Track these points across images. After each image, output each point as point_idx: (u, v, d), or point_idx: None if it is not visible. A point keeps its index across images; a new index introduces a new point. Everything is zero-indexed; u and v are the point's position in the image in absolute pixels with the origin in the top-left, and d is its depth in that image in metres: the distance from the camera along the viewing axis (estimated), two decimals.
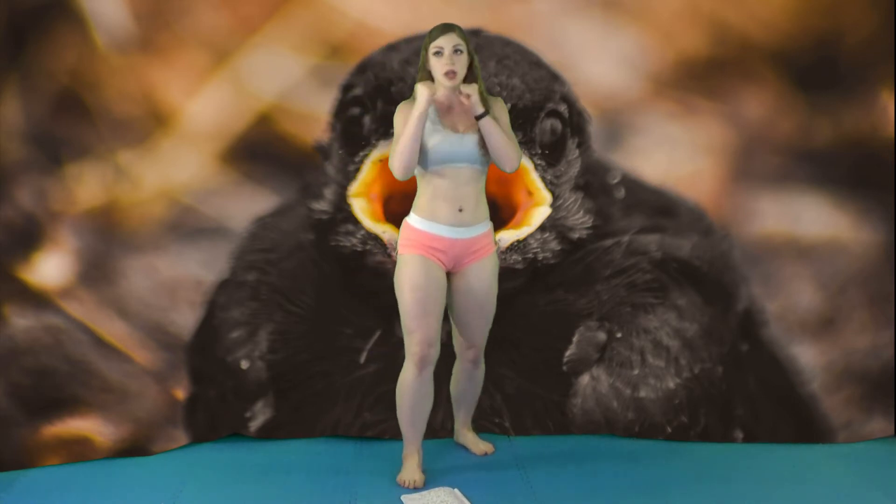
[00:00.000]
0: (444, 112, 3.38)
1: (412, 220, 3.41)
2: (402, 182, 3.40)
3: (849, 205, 3.84)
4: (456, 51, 3.33)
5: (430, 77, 3.38)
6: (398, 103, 3.42)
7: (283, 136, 3.77)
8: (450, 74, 3.33)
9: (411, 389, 3.45)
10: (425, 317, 3.39)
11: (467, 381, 3.63)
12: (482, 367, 3.61)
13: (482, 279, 3.45)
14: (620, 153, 3.86)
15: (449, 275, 3.45)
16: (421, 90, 3.30)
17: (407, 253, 3.40)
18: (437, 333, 3.41)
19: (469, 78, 3.38)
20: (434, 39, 3.34)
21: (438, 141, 3.35)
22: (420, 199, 3.41)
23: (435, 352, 3.42)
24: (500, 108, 3.43)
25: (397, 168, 3.34)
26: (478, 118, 3.33)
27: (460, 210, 3.38)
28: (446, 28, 3.35)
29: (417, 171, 3.40)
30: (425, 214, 3.39)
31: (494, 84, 3.67)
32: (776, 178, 3.84)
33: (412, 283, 3.38)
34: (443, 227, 3.38)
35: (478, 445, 3.71)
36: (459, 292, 3.46)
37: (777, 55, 3.80)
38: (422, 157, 3.36)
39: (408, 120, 3.33)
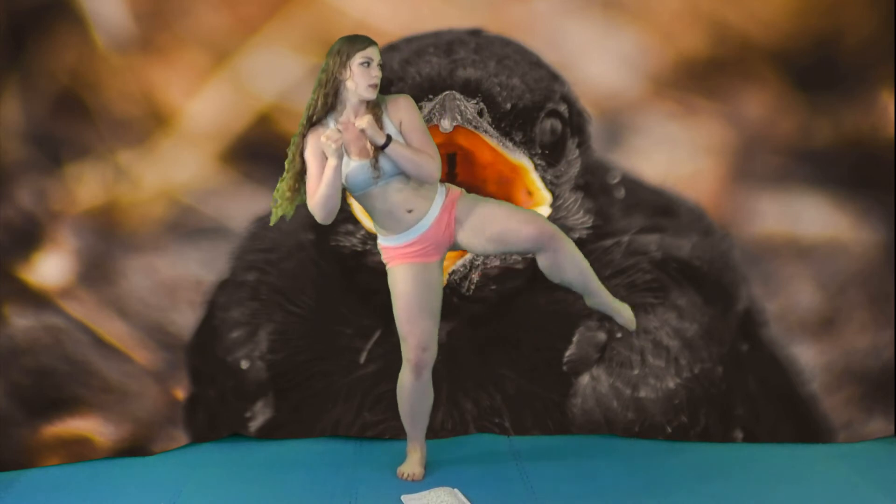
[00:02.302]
0: (351, 134, 3.30)
1: (380, 239, 3.41)
2: None
3: (849, 205, 3.84)
4: (379, 65, 3.28)
5: (334, 91, 3.27)
6: None
7: (283, 136, 3.76)
8: (374, 86, 3.26)
9: (410, 392, 3.46)
10: (416, 321, 3.39)
11: (568, 264, 3.35)
12: (567, 246, 3.34)
13: (474, 213, 3.34)
14: (620, 153, 3.86)
15: (458, 245, 3.39)
16: (326, 143, 3.19)
17: (392, 265, 3.40)
18: (431, 336, 3.41)
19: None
20: (361, 49, 3.25)
21: (353, 172, 3.29)
22: (374, 222, 3.39)
23: (430, 355, 3.42)
24: (405, 108, 3.34)
25: (321, 216, 3.27)
26: (382, 149, 3.26)
27: (409, 211, 3.34)
28: (372, 40, 3.29)
29: (353, 196, 3.37)
30: (389, 232, 3.37)
31: (494, 84, 3.67)
32: (776, 178, 3.83)
33: (400, 290, 3.39)
34: (405, 234, 3.36)
35: (623, 313, 3.49)
36: (476, 239, 3.35)
37: (777, 55, 3.80)
38: (350, 185, 3.31)
39: (315, 157, 3.25)
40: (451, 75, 3.61)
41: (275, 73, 3.77)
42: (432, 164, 3.30)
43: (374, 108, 3.30)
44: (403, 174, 3.30)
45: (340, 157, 3.23)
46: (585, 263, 3.41)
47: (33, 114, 3.68)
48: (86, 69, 3.70)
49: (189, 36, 3.75)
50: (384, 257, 3.43)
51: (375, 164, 3.27)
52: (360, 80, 3.26)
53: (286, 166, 3.35)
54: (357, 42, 3.28)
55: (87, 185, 3.73)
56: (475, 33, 3.72)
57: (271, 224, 3.41)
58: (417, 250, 3.37)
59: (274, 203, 3.37)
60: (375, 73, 3.26)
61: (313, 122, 3.32)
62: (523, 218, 3.37)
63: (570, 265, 3.38)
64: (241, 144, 3.79)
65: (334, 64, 3.27)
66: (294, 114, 3.77)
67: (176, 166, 3.77)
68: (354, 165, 3.29)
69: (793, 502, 3.38)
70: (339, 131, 3.23)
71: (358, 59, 3.26)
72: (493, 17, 3.79)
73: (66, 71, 3.69)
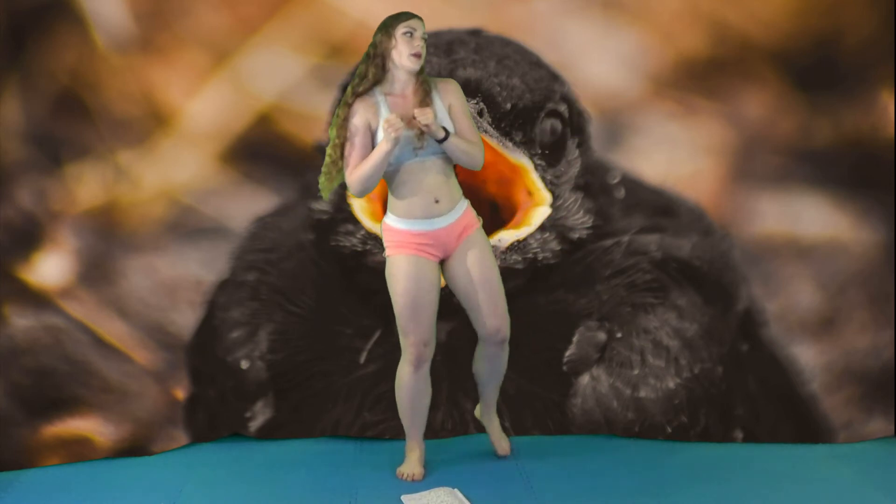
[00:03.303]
0: (396, 107, 3.35)
1: (391, 220, 3.41)
2: None
3: (849, 205, 3.84)
4: (424, 38, 3.33)
5: (382, 63, 3.33)
6: None
7: (283, 136, 3.77)
8: (417, 55, 3.31)
9: (409, 387, 3.46)
10: (418, 317, 3.39)
11: (491, 361, 3.55)
12: (507, 349, 3.53)
13: (472, 254, 3.41)
14: (620, 153, 3.86)
15: (444, 265, 3.44)
16: (387, 129, 3.25)
17: (395, 254, 3.40)
18: (431, 332, 3.42)
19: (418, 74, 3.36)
20: (405, 20, 3.32)
21: (386, 118, 3.30)
22: (394, 199, 3.40)
23: (430, 350, 3.43)
24: (454, 92, 3.40)
25: (357, 191, 3.35)
26: (440, 142, 3.31)
27: (436, 201, 3.37)
28: (415, 14, 3.34)
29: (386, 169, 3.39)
30: (402, 213, 3.38)
31: (494, 84, 3.67)
32: (776, 178, 3.83)
33: (402, 286, 3.38)
34: (423, 221, 3.37)
35: (499, 442, 3.67)
36: (459, 276, 3.44)
37: (777, 55, 3.80)
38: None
39: (357, 127, 3.31)
40: (451, 75, 3.61)
41: (275, 73, 3.77)
42: (480, 154, 3.39)
43: (425, 86, 3.35)
44: (443, 155, 3.35)
45: (395, 145, 3.27)
46: (501, 380, 3.59)
47: (33, 114, 3.68)
48: (86, 69, 3.70)
49: (189, 36, 3.75)
50: (387, 241, 3.41)
51: (421, 136, 3.31)
52: (402, 48, 3.31)
53: (331, 140, 3.38)
54: (402, 15, 3.34)
55: (87, 185, 3.73)
56: (475, 33, 3.72)
57: (325, 198, 3.46)
58: (425, 244, 3.38)
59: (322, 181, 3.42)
60: (418, 44, 3.30)
61: (359, 93, 3.35)
62: (502, 310, 3.48)
63: (496, 368, 3.55)
64: (241, 144, 3.79)
65: (380, 37, 3.33)
66: (294, 114, 3.78)
67: (176, 166, 3.77)
68: (407, 134, 3.30)
69: (793, 502, 3.38)
70: (401, 127, 3.26)
71: (401, 28, 3.31)
72: (493, 17, 3.79)
73: (66, 71, 3.69)
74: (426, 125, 3.28)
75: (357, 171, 3.33)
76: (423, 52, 3.32)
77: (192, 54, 3.76)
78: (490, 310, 3.46)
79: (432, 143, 3.33)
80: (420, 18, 3.34)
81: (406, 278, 3.38)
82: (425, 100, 3.33)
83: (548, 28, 3.79)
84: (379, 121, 3.33)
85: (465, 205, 3.43)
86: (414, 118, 3.29)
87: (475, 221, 3.45)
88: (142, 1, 3.72)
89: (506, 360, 3.57)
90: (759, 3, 3.78)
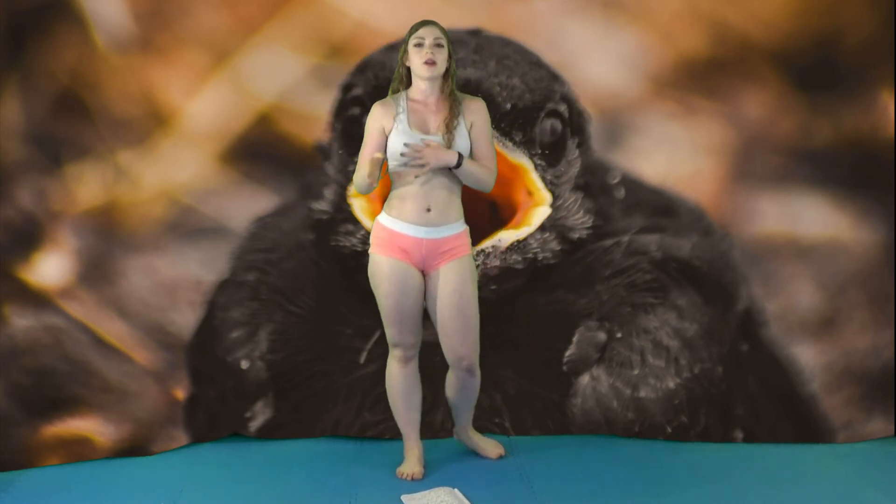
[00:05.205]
0: (417, 111, 3.39)
1: (382, 218, 3.43)
2: None
3: (849, 205, 3.84)
4: (437, 44, 3.35)
5: (407, 76, 3.40)
6: None
7: (283, 136, 3.77)
8: (429, 63, 3.34)
9: (398, 383, 3.50)
10: (401, 320, 3.43)
11: (461, 388, 3.56)
12: (478, 375, 3.54)
13: (452, 280, 3.41)
14: (620, 153, 3.86)
15: (424, 277, 3.45)
16: (402, 157, 3.30)
17: (377, 254, 3.42)
18: (416, 332, 3.46)
19: (445, 76, 3.40)
20: (415, 31, 3.37)
21: (405, 141, 3.34)
22: (392, 198, 3.42)
23: (417, 346, 3.47)
24: (479, 111, 3.43)
25: (356, 187, 3.43)
26: (452, 169, 3.35)
27: (428, 210, 3.38)
28: (428, 22, 3.38)
29: (389, 169, 3.41)
30: (394, 213, 3.40)
31: (494, 84, 3.67)
32: (776, 178, 3.83)
33: (386, 289, 3.41)
34: (409, 225, 3.38)
35: (487, 449, 3.68)
36: (432, 296, 3.44)
37: (777, 55, 3.80)
38: (391, 156, 3.37)
39: (370, 130, 3.38)
40: None
41: (275, 73, 3.77)
42: (490, 180, 3.43)
43: (452, 102, 3.39)
44: (450, 172, 3.38)
45: (403, 167, 3.32)
46: (473, 404, 3.60)
47: (33, 114, 3.68)
48: (86, 69, 3.70)
49: (189, 36, 3.75)
50: (373, 237, 3.43)
51: (449, 145, 3.36)
52: (415, 59, 3.36)
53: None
54: (414, 26, 3.39)
55: (87, 185, 3.73)
56: (475, 33, 3.72)
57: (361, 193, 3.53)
58: (403, 249, 3.39)
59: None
60: (427, 52, 3.34)
61: (393, 90, 3.43)
62: (472, 341, 3.46)
63: (466, 396, 3.56)
64: (241, 144, 3.79)
65: (403, 48, 3.40)
66: (294, 114, 3.78)
67: (176, 166, 3.77)
68: (411, 138, 3.34)
69: (793, 502, 3.38)
70: (421, 150, 3.31)
71: (412, 41, 3.37)
72: (493, 17, 3.79)
73: (66, 71, 3.69)
74: (426, 164, 3.30)
75: (356, 171, 3.40)
76: (440, 58, 3.36)
77: (192, 54, 3.76)
78: (459, 340, 3.46)
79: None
80: (433, 25, 3.38)
81: (388, 281, 3.40)
82: (452, 120, 3.37)
83: (548, 28, 3.79)
84: (394, 124, 3.36)
85: (460, 228, 3.44)
86: (427, 145, 3.33)
87: (466, 248, 3.44)
88: (142, 1, 3.72)
89: (477, 387, 3.57)
90: (759, 3, 3.78)
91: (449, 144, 3.35)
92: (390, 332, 3.46)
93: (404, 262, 3.40)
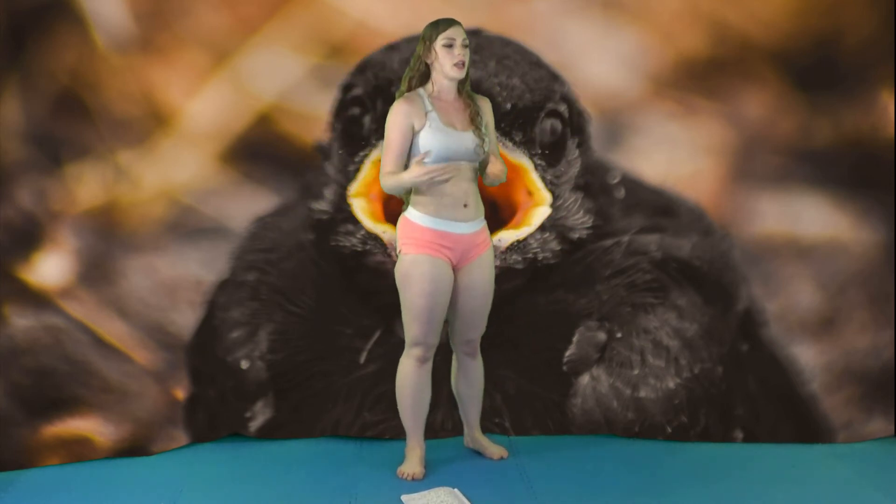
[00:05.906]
0: (442, 109, 3.40)
1: (415, 217, 3.41)
2: None
3: (849, 205, 3.84)
4: (465, 45, 3.39)
5: (425, 70, 3.40)
6: None
7: (283, 136, 3.77)
8: (460, 65, 3.37)
9: (412, 383, 3.48)
10: (431, 320, 3.42)
11: (467, 376, 3.60)
12: (480, 358, 3.60)
13: (485, 274, 3.48)
14: (620, 153, 3.86)
15: (454, 271, 3.45)
16: (428, 174, 3.31)
17: (414, 252, 3.40)
18: (440, 330, 3.47)
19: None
20: (443, 31, 3.37)
21: (442, 139, 3.36)
22: (423, 196, 3.40)
23: (435, 347, 3.47)
24: (489, 111, 3.50)
25: (388, 190, 3.43)
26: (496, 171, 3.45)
27: (465, 206, 3.40)
28: (454, 21, 3.40)
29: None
30: (431, 211, 3.39)
31: (494, 84, 3.67)
32: (776, 178, 3.84)
33: (421, 287, 3.39)
34: (451, 223, 3.39)
35: (491, 449, 3.68)
36: (463, 288, 3.47)
37: (777, 55, 3.80)
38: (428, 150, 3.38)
39: (400, 127, 3.37)
40: None
41: (275, 73, 3.77)
42: (505, 173, 3.47)
43: (469, 101, 3.43)
44: (477, 164, 3.43)
45: (427, 182, 3.34)
46: (481, 396, 3.64)
47: (33, 114, 3.68)
48: (86, 69, 3.70)
49: (189, 36, 3.75)
50: (406, 237, 3.41)
51: (483, 143, 3.40)
52: (444, 60, 3.37)
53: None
54: (440, 25, 3.39)
55: (87, 185, 3.73)
56: (475, 33, 3.72)
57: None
58: (446, 246, 3.39)
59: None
60: (459, 52, 3.37)
61: (410, 86, 3.43)
62: (483, 323, 3.54)
63: (472, 382, 3.61)
64: (241, 144, 3.79)
65: (422, 48, 3.39)
66: (294, 114, 3.78)
67: (176, 166, 3.77)
68: (445, 133, 3.36)
69: (793, 502, 3.38)
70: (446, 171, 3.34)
71: (441, 41, 3.37)
72: (493, 17, 3.79)
73: (66, 71, 3.69)
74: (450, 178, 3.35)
75: (392, 178, 3.39)
76: (467, 59, 3.39)
77: (192, 54, 3.76)
78: (475, 323, 3.53)
79: (469, 148, 3.39)
80: (458, 24, 3.40)
81: (425, 280, 3.39)
82: (475, 119, 3.41)
83: (548, 28, 3.79)
84: (425, 122, 3.37)
85: (484, 220, 3.49)
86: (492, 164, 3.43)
87: (489, 240, 3.51)
88: (142, 1, 3.72)
89: (482, 374, 3.61)
90: (759, 3, 3.78)
91: (482, 141, 3.40)
92: (416, 332, 3.43)
93: (446, 261, 3.40)
